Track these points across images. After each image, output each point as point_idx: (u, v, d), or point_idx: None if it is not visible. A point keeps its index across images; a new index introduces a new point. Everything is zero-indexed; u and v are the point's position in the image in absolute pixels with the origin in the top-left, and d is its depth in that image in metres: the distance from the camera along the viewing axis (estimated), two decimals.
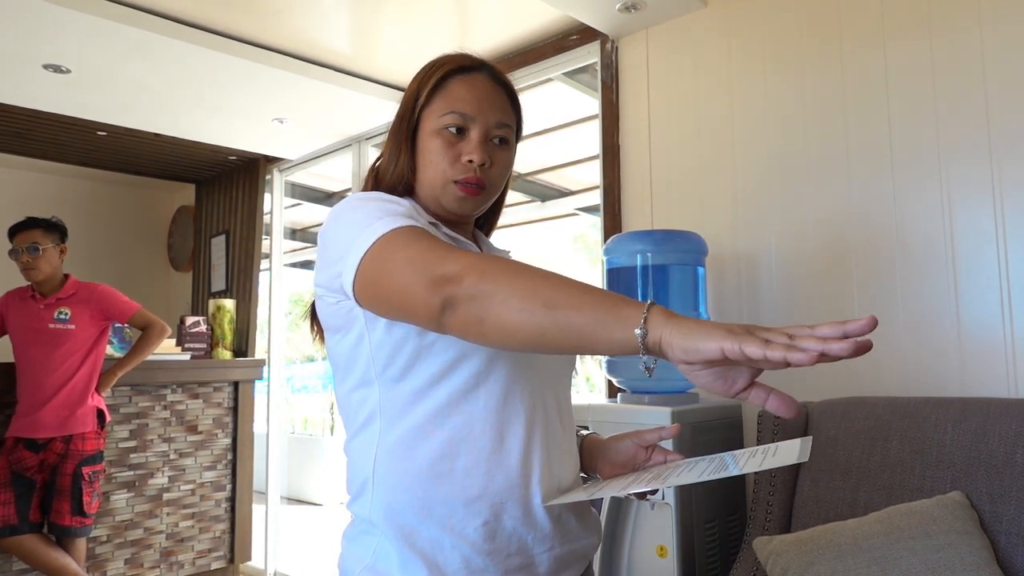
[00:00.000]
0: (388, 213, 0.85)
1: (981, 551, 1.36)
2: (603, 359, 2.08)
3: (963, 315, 1.75)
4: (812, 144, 2.04)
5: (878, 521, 1.46)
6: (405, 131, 1.01)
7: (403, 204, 0.90)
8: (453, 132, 0.97)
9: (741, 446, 2.05)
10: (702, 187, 2.27)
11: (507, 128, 1.01)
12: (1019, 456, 1.45)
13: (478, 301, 0.73)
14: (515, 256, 1.12)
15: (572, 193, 4.39)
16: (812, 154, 2.04)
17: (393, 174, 1.02)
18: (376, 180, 1.04)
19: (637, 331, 0.66)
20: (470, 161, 0.96)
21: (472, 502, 0.86)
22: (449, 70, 1.00)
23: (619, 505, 1.90)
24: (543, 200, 4.41)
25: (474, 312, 0.73)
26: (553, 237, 5.21)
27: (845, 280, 1.95)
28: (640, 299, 1.94)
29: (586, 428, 1.10)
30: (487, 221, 1.15)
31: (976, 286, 1.74)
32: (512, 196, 4.12)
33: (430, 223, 0.97)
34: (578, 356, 1.09)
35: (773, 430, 1.77)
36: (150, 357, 3.43)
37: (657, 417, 1.80)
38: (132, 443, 3.39)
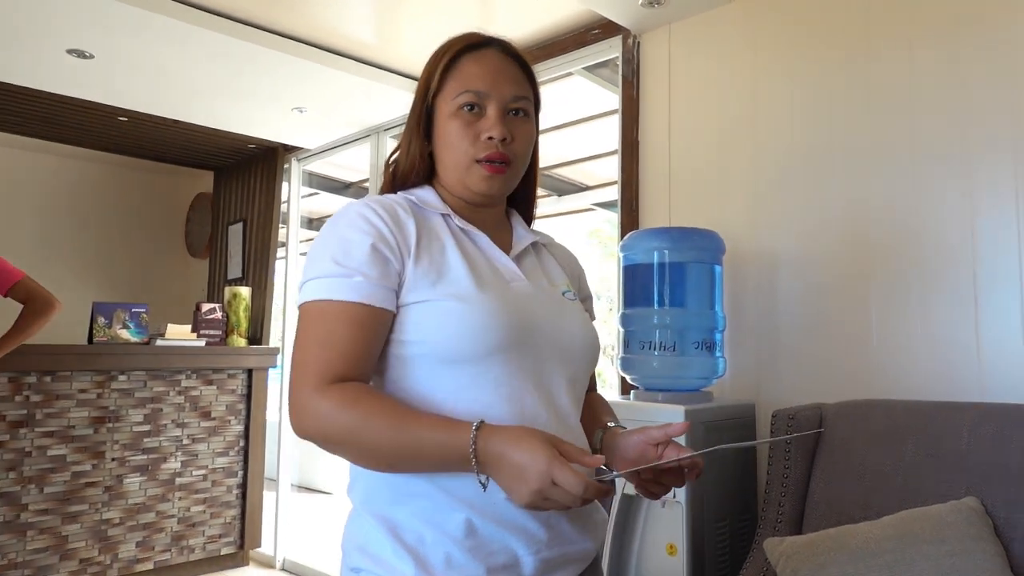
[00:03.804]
0: (338, 267, 0.90)
1: (995, 558, 1.35)
2: (616, 355, 2.07)
3: (983, 319, 1.73)
4: (835, 143, 2.02)
5: (891, 525, 1.45)
6: (418, 118, 1.01)
7: (363, 249, 0.90)
8: (469, 111, 0.97)
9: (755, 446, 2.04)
10: (721, 185, 2.25)
11: (524, 100, 1.00)
12: None
13: (325, 443, 0.88)
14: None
15: (589, 188, 4.38)
16: (835, 153, 2.01)
17: (406, 163, 1.02)
18: (393, 173, 1.05)
19: (481, 481, 0.81)
20: (490, 138, 0.96)
21: (453, 498, 0.87)
22: (458, 50, 0.99)
23: (629, 503, 1.89)
24: (560, 194, 4.41)
25: (321, 445, 0.88)
26: (569, 231, 5.20)
27: (864, 281, 1.93)
28: (656, 298, 1.93)
29: (612, 421, 1.08)
30: (524, 201, 1.13)
31: (997, 291, 1.72)
32: None
33: (442, 215, 0.98)
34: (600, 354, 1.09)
35: (787, 430, 1.76)
36: (166, 342, 3.47)
37: (670, 415, 1.79)
38: (146, 427, 3.43)
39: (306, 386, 0.86)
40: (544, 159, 1.13)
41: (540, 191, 1.18)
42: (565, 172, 4.24)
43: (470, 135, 0.96)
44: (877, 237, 1.92)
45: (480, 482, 0.81)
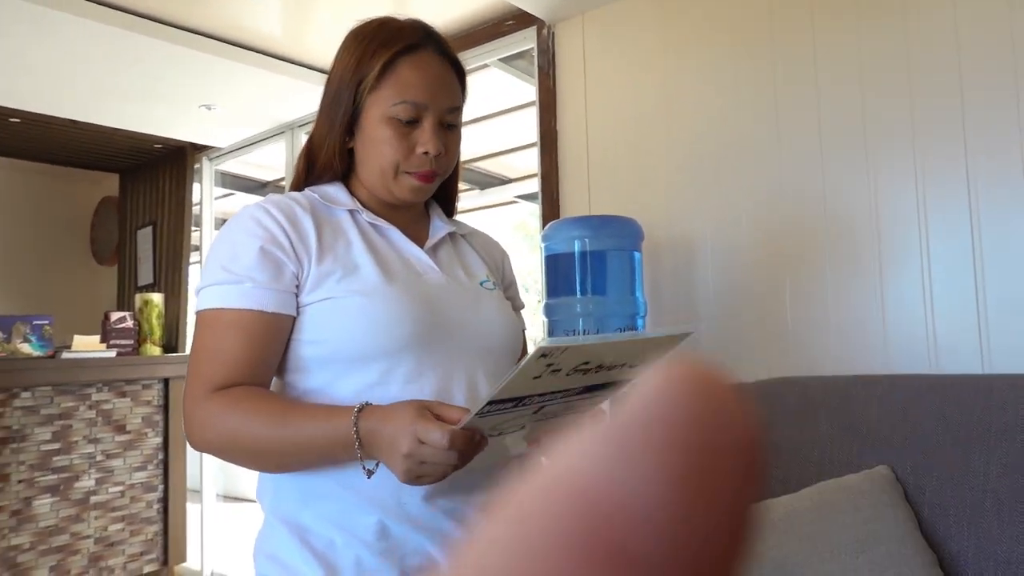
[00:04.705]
0: (227, 273, 0.87)
1: (906, 523, 1.42)
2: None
3: (887, 295, 1.81)
4: (745, 131, 2.07)
5: (808, 497, 1.50)
6: (345, 111, 0.96)
7: (251, 253, 0.87)
8: (405, 122, 0.94)
9: None
10: (639, 173, 2.28)
11: (458, 111, 0.99)
12: (940, 430, 1.50)
13: (213, 451, 0.86)
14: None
15: (511, 181, 4.38)
16: (745, 140, 2.07)
17: (324, 157, 0.98)
18: (308, 163, 1.01)
19: (366, 467, 0.79)
20: (425, 152, 0.94)
21: (363, 499, 0.85)
22: (396, 51, 0.95)
23: None
24: (482, 188, 4.39)
25: (214, 454, 0.87)
26: (493, 225, 5.19)
27: (778, 264, 1.99)
28: (578, 286, 1.94)
29: None
30: (445, 194, 1.11)
31: (899, 268, 1.80)
32: None
33: (350, 211, 0.96)
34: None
35: None
36: (72, 355, 3.28)
37: None
38: (55, 445, 3.24)
39: (194, 396, 0.84)
40: (464, 153, 1.11)
41: (462, 185, 1.17)
42: (486, 165, 4.23)
43: (404, 147, 0.94)
44: (789, 221, 1.98)
45: (365, 468, 0.78)
